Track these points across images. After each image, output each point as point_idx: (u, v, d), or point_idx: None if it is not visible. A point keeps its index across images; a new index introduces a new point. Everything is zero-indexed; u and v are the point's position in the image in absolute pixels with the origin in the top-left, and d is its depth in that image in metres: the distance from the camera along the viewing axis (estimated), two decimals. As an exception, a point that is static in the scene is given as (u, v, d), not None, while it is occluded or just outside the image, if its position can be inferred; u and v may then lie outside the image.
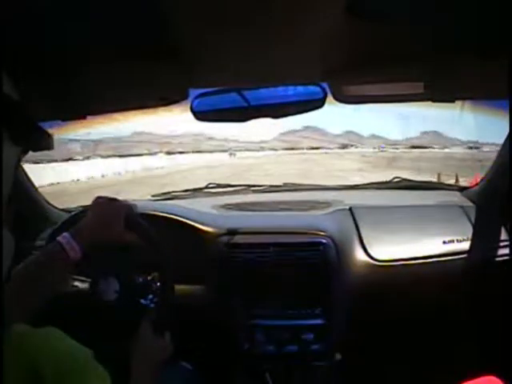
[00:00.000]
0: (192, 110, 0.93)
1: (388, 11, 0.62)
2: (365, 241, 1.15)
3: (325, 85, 0.89)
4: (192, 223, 1.16)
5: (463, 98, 1.03)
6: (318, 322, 1.08)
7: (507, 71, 0.70)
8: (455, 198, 1.34)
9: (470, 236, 1.15)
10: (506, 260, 1.12)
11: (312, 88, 0.90)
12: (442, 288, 1.16)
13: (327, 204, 1.33)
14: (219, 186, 1.58)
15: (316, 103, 0.91)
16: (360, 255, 1.14)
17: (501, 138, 1.15)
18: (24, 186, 1.19)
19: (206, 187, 1.58)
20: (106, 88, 0.85)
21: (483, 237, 1.16)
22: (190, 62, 0.77)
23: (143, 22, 0.63)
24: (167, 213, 1.16)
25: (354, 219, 1.21)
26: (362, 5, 0.59)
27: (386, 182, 1.58)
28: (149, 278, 0.89)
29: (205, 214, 1.25)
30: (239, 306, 1.11)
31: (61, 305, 0.80)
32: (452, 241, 1.14)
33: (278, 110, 0.94)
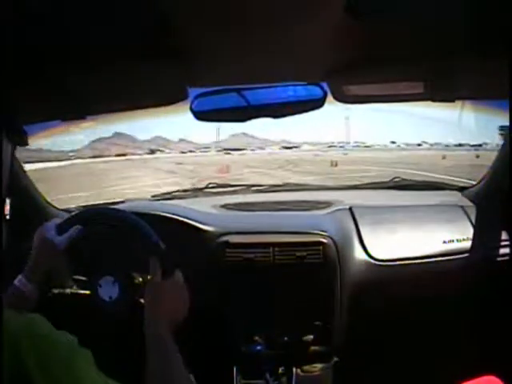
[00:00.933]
0: (192, 110, 0.93)
1: (388, 11, 0.62)
2: (365, 241, 1.15)
3: (325, 85, 0.89)
4: (192, 223, 1.16)
5: (463, 98, 1.03)
6: (318, 322, 1.08)
7: (507, 71, 0.70)
8: (455, 198, 1.34)
9: (470, 236, 1.15)
10: (506, 260, 1.12)
11: (312, 88, 0.90)
12: (442, 288, 1.16)
13: (327, 204, 1.33)
14: (219, 185, 1.58)
15: (316, 103, 0.91)
16: (360, 255, 1.14)
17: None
18: (24, 185, 1.19)
19: (206, 187, 1.58)
20: (106, 88, 0.85)
21: (483, 237, 1.16)
22: (190, 62, 0.77)
23: (143, 22, 0.63)
24: (167, 213, 1.16)
25: (354, 219, 1.21)
26: (361, 5, 0.59)
27: (386, 182, 1.58)
28: (148, 277, 0.89)
29: (205, 213, 1.25)
30: (239, 306, 1.11)
31: (60, 305, 0.80)
32: (452, 241, 1.14)
33: (277, 110, 0.94)
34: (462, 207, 1.23)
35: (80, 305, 0.87)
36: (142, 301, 0.86)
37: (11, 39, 0.60)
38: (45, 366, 0.37)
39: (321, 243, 1.10)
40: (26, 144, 0.41)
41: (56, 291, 0.85)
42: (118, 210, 0.90)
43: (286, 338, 1.08)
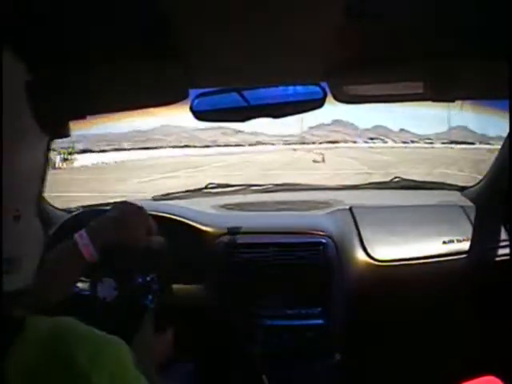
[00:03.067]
0: (192, 110, 0.93)
1: (388, 12, 0.62)
2: (365, 241, 1.15)
3: (325, 85, 0.89)
4: (192, 223, 1.16)
5: (463, 98, 1.03)
6: (318, 322, 1.08)
7: (507, 71, 0.70)
8: (455, 198, 1.34)
9: (469, 236, 1.15)
10: (506, 260, 1.12)
11: (312, 88, 0.90)
12: (442, 288, 1.16)
13: (327, 204, 1.34)
14: (219, 185, 1.58)
15: (316, 103, 0.91)
16: (360, 255, 1.14)
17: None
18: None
19: (206, 187, 1.58)
20: (106, 88, 0.85)
21: (483, 237, 1.16)
22: (190, 62, 0.77)
23: (143, 22, 0.63)
24: (167, 213, 1.16)
25: (354, 219, 1.21)
26: (361, 5, 0.59)
27: (386, 182, 1.58)
28: (148, 278, 0.89)
29: (205, 214, 1.25)
30: (239, 306, 1.11)
31: (60, 305, 0.80)
32: (452, 241, 1.14)
33: (277, 110, 0.94)
34: (462, 207, 1.23)
35: (80, 305, 0.87)
36: (142, 301, 0.87)
37: (11, 39, 0.60)
38: (97, 360, 0.37)
39: (321, 243, 1.10)
40: (68, 135, 0.40)
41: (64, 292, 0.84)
42: None
43: (285, 337, 1.08)
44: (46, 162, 0.40)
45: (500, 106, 1.03)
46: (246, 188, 1.58)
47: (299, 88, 0.92)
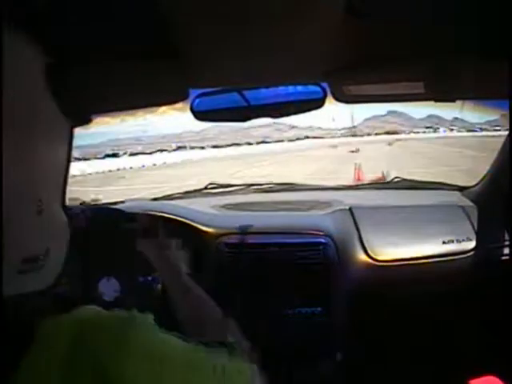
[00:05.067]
0: (192, 110, 0.93)
1: (388, 11, 0.62)
2: (365, 241, 1.15)
3: (325, 85, 0.89)
4: (192, 223, 1.16)
5: (463, 98, 1.03)
6: (318, 321, 1.08)
7: (507, 71, 0.70)
8: (455, 198, 1.34)
9: (469, 236, 1.15)
10: (506, 260, 1.12)
11: (312, 88, 0.90)
12: (442, 288, 1.16)
13: (327, 204, 1.33)
14: (219, 186, 1.58)
15: (316, 103, 0.91)
16: (360, 255, 1.14)
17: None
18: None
19: (206, 187, 1.58)
20: (106, 88, 0.85)
21: (483, 237, 1.16)
22: (190, 62, 0.77)
23: (143, 22, 0.63)
24: (167, 213, 1.16)
25: (354, 219, 1.21)
26: (361, 5, 0.59)
27: (386, 182, 1.58)
28: (149, 278, 0.89)
29: (205, 213, 1.25)
30: (239, 306, 1.11)
31: (60, 305, 0.80)
32: (452, 241, 1.14)
33: (277, 110, 0.94)
34: (462, 207, 1.23)
35: (80, 305, 0.87)
36: (143, 301, 0.87)
37: (11, 39, 0.60)
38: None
39: (321, 243, 1.10)
40: (90, 121, 0.39)
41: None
42: None
43: (286, 338, 1.08)
44: (70, 152, 0.39)
45: (500, 105, 1.03)
46: (247, 188, 1.58)
47: (299, 88, 0.92)
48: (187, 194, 1.56)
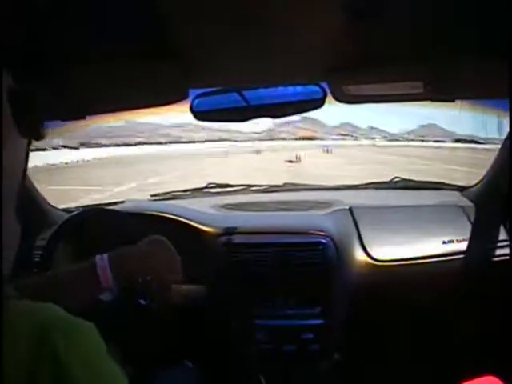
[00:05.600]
0: (192, 110, 0.93)
1: (388, 11, 0.62)
2: (365, 241, 1.15)
3: (324, 85, 0.89)
4: (192, 223, 1.16)
5: (463, 98, 1.03)
6: (318, 321, 1.08)
7: (507, 71, 0.70)
8: (455, 198, 1.34)
9: (469, 236, 1.15)
10: (506, 260, 1.12)
11: (311, 88, 0.90)
12: (442, 288, 1.16)
13: (327, 204, 1.33)
14: (219, 185, 1.58)
15: (315, 103, 0.91)
16: (360, 255, 1.14)
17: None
18: (24, 185, 1.19)
19: (206, 187, 1.58)
20: (106, 88, 0.85)
21: (483, 237, 1.16)
22: (190, 62, 0.77)
23: (143, 23, 0.63)
24: (167, 213, 1.16)
25: (354, 219, 1.21)
26: (361, 5, 0.59)
27: (386, 182, 1.58)
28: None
29: (205, 214, 1.25)
30: (239, 306, 1.11)
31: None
32: (452, 241, 1.14)
33: (277, 110, 0.94)
34: (461, 207, 1.23)
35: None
36: (142, 302, 0.87)
37: (11, 39, 0.60)
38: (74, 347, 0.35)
39: (321, 243, 1.10)
40: (43, 137, 0.40)
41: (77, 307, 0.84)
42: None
43: (285, 337, 1.08)
44: (26, 161, 0.39)
45: (500, 105, 1.03)
46: (246, 188, 1.58)
47: (299, 88, 0.92)
48: (187, 194, 1.56)
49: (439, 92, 0.86)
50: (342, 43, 0.71)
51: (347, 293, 1.11)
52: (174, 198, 1.53)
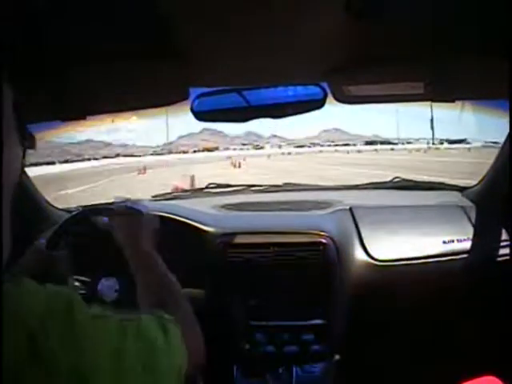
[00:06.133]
0: (192, 110, 0.93)
1: (388, 11, 0.62)
2: (365, 241, 1.15)
3: (325, 85, 0.89)
4: (192, 223, 1.16)
5: (463, 98, 1.03)
6: (318, 321, 1.08)
7: (507, 71, 0.70)
8: (455, 198, 1.34)
9: (469, 236, 1.15)
10: (506, 260, 1.12)
11: (312, 88, 0.90)
12: (442, 288, 1.16)
13: (327, 204, 1.33)
14: (219, 186, 1.58)
15: (316, 103, 0.91)
16: (360, 255, 1.14)
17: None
18: (24, 185, 1.19)
19: (206, 187, 1.58)
20: (106, 88, 0.85)
21: (483, 237, 1.16)
22: (190, 62, 0.77)
23: (143, 23, 0.63)
24: (167, 213, 1.16)
25: (354, 219, 1.21)
26: (362, 5, 0.59)
27: (386, 182, 1.58)
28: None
29: (205, 214, 1.25)
30: (239, 306, 1.11)
31: None
32: (452, 241, 1.14)
33: (277, 110, 0.94)
34: (462, 207, 1.23)
35: None
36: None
37: (11, 39, 0.60)
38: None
39: (321, 243, 1.10)
40: (34, 147, 0.40)
41: None
42: None
43: (286, 338, 1.08)
44: (22, 168, 0.40)
45: (500, 106, 1.03)
46: (246, 188, 1.58)
47: (299, 88, 0.92)
48: (187, 194, 1.56)
49: (439, 92, 0.86)
50: (342, 43, 0.71)
51: (347, 293, 1.11)
52: (174, 197, 1.53)
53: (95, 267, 0.97)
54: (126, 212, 0.76)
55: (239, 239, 1.12)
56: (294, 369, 1.10)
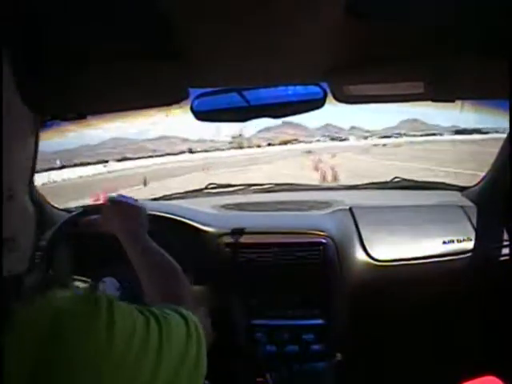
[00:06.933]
0: (192, 110, 0.93)
1: (388, 11, 0.62)
2: (365, 241, 1.15)
3: (325, 85, 0.89)
4: (192, 223, 1.16)
5: (463, 98, 1.03)
6: (318, 321, 1.09)
7: (507, 71, 0.70)
8: (455, 198, 1.34)
9: (469, 236, 1.15)
10: (507, 260, 1.12)
11: (312, 88, 0.90)
12: (442, 288, 1.16)
13: (327, 204, 1.33)
14: (219, 185, 1.58)
15: (316, 103, 0.91)
16: (360, 255, 1.14)
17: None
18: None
19: (206, 187, 1.58)
20: (106, 88, 0.85)
21: (483, 237, 1.16)
22: (190, 62, 0.77)
23: (143, 23, 0.63)
24: (167, 213, 1.16)
25: (354, 219, 1.21)
26: (362, 5, 0.59)
27: (386, 182, 1.58)
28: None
29: (205, 214, 1.25)
30: (239, 306, 1.11)
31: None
32: (452, 241, 1.14)
33: (277, 110, 0.94)
34: (462, 207, 1.23)
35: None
36: (143, 300, 0.86)
37: (11, 39, 0.60)
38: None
39: (321, 243, 1.10)
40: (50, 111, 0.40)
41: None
42: None
43: (286, 337, 1.08)
44: (37, 143, 0.40)
45: (500, 105, 1.03)
46: (247, 188, 1.58)
47: (299, 88, 0.92)
48: (187, 194, 1.56)
49: (440, 92, 0.86)
50: (342, 43, 0.71)
51: (347, 293, 1.11)
52: (174, 197, 1.53)
53: (96, 267, 0.97)
54: (117, 200, 0.79)
55: (239, 239, 1.12)
56: (294, 369, 1.10)
